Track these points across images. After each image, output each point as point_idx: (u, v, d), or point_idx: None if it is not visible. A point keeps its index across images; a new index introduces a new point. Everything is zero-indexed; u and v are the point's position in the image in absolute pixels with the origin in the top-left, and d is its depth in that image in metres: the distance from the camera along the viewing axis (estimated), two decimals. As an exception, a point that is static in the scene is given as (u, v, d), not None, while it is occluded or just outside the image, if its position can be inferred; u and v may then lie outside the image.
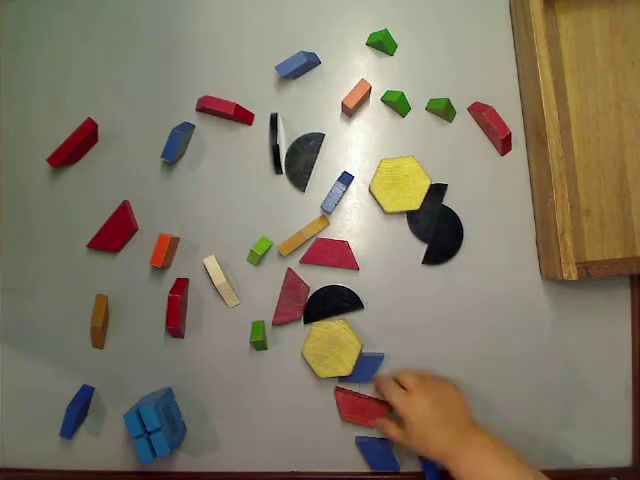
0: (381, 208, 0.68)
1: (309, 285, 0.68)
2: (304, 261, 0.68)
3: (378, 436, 0.67)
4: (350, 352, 0.66)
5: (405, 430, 0.60)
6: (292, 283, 0.68)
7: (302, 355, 0.67)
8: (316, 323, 0.66)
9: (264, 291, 0.69)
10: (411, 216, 0.68)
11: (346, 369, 0.66)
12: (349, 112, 0.68)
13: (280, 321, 0.68)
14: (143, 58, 0.71)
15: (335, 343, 0.66)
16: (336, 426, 0.68)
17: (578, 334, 0.67)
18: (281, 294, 0.68)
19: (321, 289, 0.68)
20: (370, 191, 0.68)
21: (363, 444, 0.67)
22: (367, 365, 0.67)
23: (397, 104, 0.67)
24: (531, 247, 0.68)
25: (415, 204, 0.66)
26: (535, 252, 0.67)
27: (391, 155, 0.68)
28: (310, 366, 0.67)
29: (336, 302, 0.68)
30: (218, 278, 0.67)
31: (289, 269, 0.68)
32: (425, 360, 0.67)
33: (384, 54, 0.69)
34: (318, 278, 0.68)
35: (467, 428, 0.59)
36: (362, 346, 0.66)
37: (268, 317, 0.68)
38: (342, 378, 0.68)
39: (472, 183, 0.68)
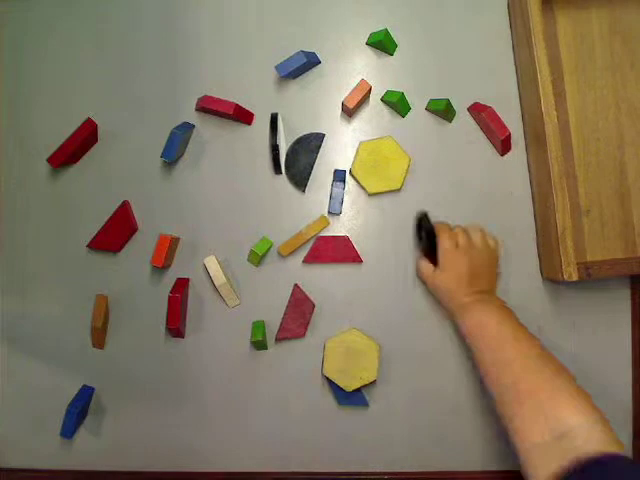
0: (365, 190, 0.68)
1: (315, 302, 0.68)
2: (307, 261, 0.68)
3: None
4: (370, 356, 0.65)
5: (435, 272, 0.64)
6: (298, 300, 0.68)
7: (323, 375, 0.67)
8: (329, 340, 0.66)
9: (264, 291, 0.69)
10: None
11: (372, 374, 0.65)
12: (349, 112, 0.68)
13: (283, 337, 0.68)
14: (143, 58, 0.71)
15: (353, 353, 0.66)
16: (336, 426, 0.68)
17: (578, 334, 0.67)
18: (286, 310, 0.68)
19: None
20: (351, 174, 0.68)
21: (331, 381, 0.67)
22: None
23: (397, 104, 0.67)
24: (531, 247, 0.68)
25: (397, 184, 0.67)
26: (535, 252, 0.67)
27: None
28: (336, 383, 0.66)
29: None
30: (218, 278, 0.67)
31: (296, 285, 0.68)
32: (426, 357, 0.67)
33: (384, 54, 0.70)
34: (322, 277, 0.68)
35: (488, 293, 0.63)
36: (379, 347, 0.66)
37: (268, 317, 0.68)
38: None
39: (472, 183, 0.68)
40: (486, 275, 0.64)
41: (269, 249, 0.68)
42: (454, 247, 0.63)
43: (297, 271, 0.68)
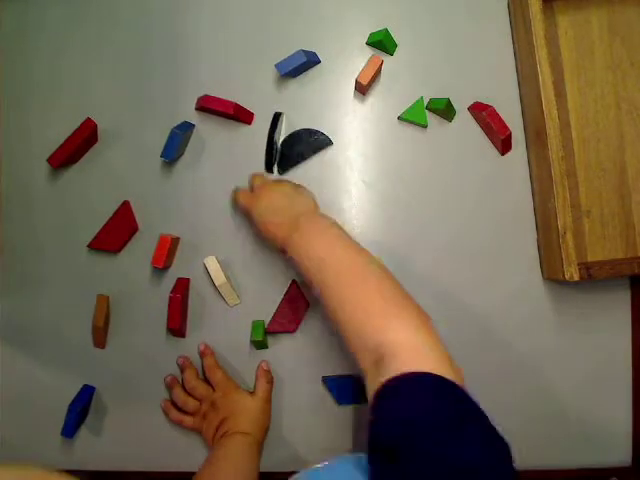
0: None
1: (309, 302, 0.68)
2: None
3: (344, 373, 0.67)
4: None
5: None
6: (293, 297, 0.68)
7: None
8: None
9: (265, 290, 0.69)
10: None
11: None
12: (363, 89, 0.67)
13: (273, 330, 0.68)
14: (143, 57, 0.71)
15: None
16: (336, 425, 0.68)
17: (579, 334, 0.67)
18: (281, 302, 0.68)
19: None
20: None
21: (329, 380, 0.67)
22: None
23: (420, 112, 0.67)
24: (532, 248, 0.68)
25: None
26: (536, 253, 0.67)
27: (391, 155, 0.68)
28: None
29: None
30: (219, 278, 0.67)
31: (293, 281, 0.68)
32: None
33: (384, 54, 0.69)
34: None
35: (309, 214, 0.59)
36: None
37: (268, 317, 0.68)
38: None
39: (472, 183, 0.68)
40: (296, 194, 0.61)
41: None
42: (250, 193, 0.64)
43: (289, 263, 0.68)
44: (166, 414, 0.68)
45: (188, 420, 0.67)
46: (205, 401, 0.66)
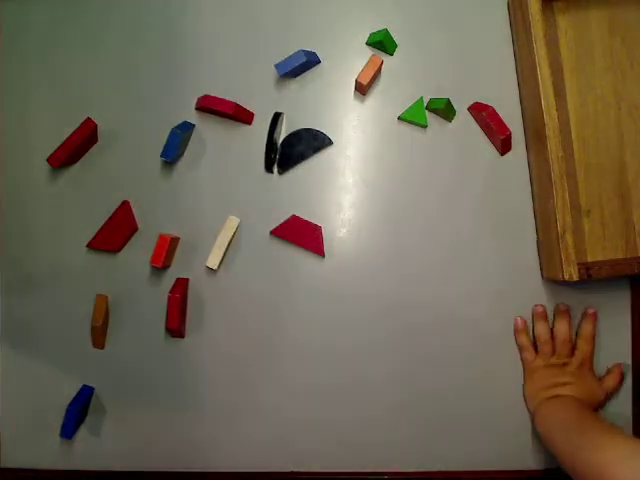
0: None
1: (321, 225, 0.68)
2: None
3: None
4: None
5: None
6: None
7: None
8: None
9: (265, 291, 0.69)
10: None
11: None
12: (363, 90, 0.67)
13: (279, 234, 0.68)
14: (143, 57, 0.71)
15: None
16: (336, 425, 0.68)
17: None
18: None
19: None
20: None
21: None
22: None
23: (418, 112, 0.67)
24: (532, 248, 0.68)
25: None
26: (536, 253, 0.67)
27: (391, 155, 0.69)
28: None
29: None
30: (223, 238, 0.67)
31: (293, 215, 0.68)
32: (424, 361, 0.67)
33: (384, 54, 0.69)
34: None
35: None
36: None
37: (267, 311, 0.68)
38: None
39: (472, 183, 0.68)
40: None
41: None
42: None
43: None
44: (517, 331, 0.67)
45: (530, 355, 0.66)
46: (559, 357, 0.65)
